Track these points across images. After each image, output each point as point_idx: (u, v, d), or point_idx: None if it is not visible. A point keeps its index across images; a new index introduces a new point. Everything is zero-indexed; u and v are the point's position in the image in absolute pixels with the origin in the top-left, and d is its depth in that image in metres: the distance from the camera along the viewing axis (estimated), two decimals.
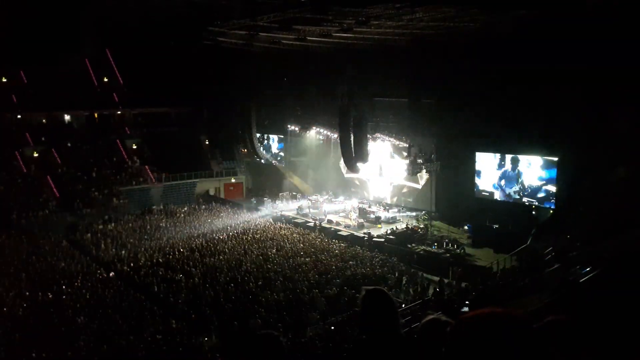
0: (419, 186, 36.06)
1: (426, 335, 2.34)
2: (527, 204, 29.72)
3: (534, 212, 29.29)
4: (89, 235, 32.71)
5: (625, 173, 23.20)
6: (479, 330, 1.54)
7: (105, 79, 49.41)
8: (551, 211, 28.31)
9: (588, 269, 16.99)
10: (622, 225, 19.53)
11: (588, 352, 2.17)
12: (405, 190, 37.11)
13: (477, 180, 31.95)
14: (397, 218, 35.31)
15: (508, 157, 30.41)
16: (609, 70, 22.56)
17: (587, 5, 22.91)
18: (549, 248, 23.25)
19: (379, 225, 33.58)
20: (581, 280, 16.68)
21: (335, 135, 37.10)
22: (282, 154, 46.53)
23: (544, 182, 28.70)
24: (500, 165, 30.88)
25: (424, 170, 33.27)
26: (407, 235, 30.66)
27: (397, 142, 35.60)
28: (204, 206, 41.34)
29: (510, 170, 30.45)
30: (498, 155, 30.98)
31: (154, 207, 40.84)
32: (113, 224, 35.22)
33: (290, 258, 26.49)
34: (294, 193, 42.80)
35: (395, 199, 37.92)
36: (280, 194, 42.63)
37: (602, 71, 22.91)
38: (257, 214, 38.12)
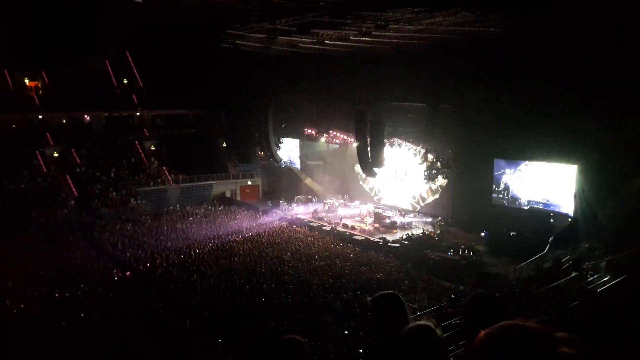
0: (428, 196, 35.88)
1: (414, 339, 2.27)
2: (545, 211, 29.37)
3: (552, 220, 28.93)
4: (106, 234, 33.03)
5: None
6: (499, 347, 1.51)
7: (125, 81, 49.91)
8: (569, 219, 27.94)
9: (606, 279, 16.75)
10: None
11: None
12: (420, 195, 36.87)
13: (494, 186, 31.65)
14: (413, 223, 35.11)
15: (527, 163, 30.10)
16: (630, 78, 22.25)
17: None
18: (566, 256, 22.95)
19: (395, 231, 33.42)
20: (599, 290, 16.43)
21: (352, 139, 37.04)
22: (298, 157, 46.56)
23: (563, 189, 28.34)
24: (518, 172, 30.58)
25: (440, 177, 33.06)
26: (423, 241, 30.45)
27: (414, 147, 35.42)
28: (220, 208, 41.50)
29: (528, 177, 30.12)
30: (516, 162, 30.67)
31: (171, 208, 41.19)
32: (130, 224, 35.52)
33: (305, 261, 26.45)
34: (309, 196, 42.79)
35: (410, 205, 37.68)
36: (296, 197, 42.61)
37: (622, 79, 22.61)
38: (272, 217, 38.16)
